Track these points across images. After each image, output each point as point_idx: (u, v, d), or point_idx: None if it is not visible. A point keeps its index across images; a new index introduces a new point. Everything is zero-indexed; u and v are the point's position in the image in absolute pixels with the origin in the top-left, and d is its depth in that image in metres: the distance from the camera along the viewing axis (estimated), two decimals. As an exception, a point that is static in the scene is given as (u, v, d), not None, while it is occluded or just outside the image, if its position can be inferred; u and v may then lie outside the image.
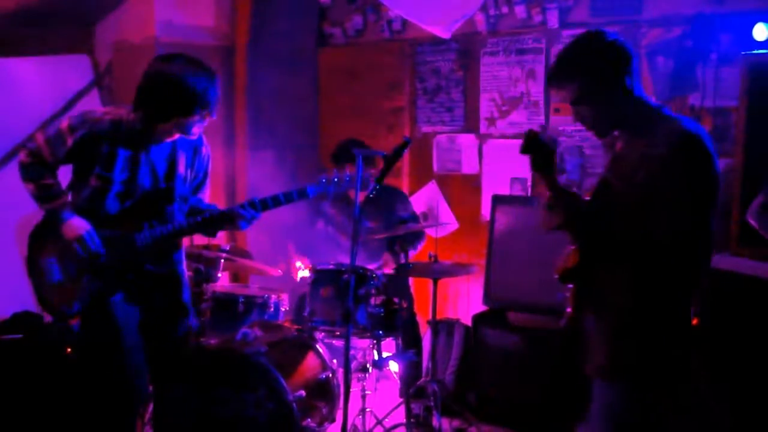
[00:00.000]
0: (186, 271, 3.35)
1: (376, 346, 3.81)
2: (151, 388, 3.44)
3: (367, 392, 3.79)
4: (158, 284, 3.19)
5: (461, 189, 5.23)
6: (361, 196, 3.20)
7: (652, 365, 2.29)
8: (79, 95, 5.19)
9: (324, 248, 4.62)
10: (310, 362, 3.81)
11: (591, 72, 2.33)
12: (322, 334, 3.86)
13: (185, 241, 3.45)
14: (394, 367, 4.28)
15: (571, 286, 2.43)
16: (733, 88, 4.12)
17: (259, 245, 5.14)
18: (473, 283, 4.99)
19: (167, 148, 3.13)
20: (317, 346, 3.86)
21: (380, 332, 3.73)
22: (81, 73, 5.24)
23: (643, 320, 2.29)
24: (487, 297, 4.53)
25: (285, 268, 4.54)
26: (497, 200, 4.64)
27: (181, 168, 3.16)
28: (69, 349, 3.98)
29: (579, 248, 2.36)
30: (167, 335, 3.23)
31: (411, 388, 4.00)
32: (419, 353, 4.44)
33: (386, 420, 3.92)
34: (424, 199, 5.34)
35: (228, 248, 4.32)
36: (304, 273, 4.36)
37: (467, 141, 5.19)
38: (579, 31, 4.55)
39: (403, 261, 4.39)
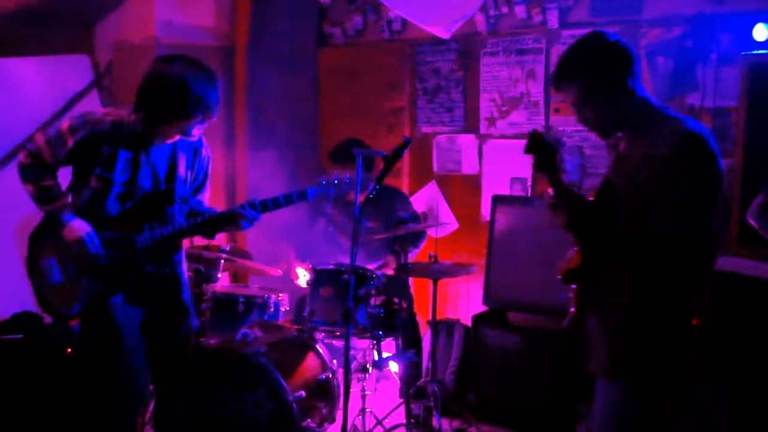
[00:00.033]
0: (186, 272, 3.35)
1: (376, 347, 3.81)
2: (151, 387, 3.44)
3: (367, 392, 3.79)
4: (158, 285, 3.19)
5: (461, 189, 5.23)
6: (361, 197, 3.20)
7: (654, 365, 2.29)
8: (79, 95, 5.19)
9: (324, 248, 4.62)
10: (310, 362, 3.81)
11: (593, 73, 2.34)
12: (322, 334, 3.86)
13: (185, 242, 3.45)
14: (394, 367, 4.28)
15: (574, 286, 2.44)
16: (733, 88, 4.13)
17: (259, 245, 5.14)
18: (473, 283, 4.99)
19: (167, 150, 3.13)
20: (317, 346, 3.86)
21: (380, 332, 3.73)
22: (81, 73, 5.24)
23: (645, 320, 2.29)
24: (487, 297, 4.53)
25: (285, 269, 4.54)
26: (497, 200, 4.64)
27: (182, 169, 3.16)
28: (69, 349, 3.98)
29: (582, 249, 2.36)
30: (168, 336, 3.23)
31: (411, 388, 3.99)
32: (419, 353, 4.44)
33: (386, 420, 3.92)
34: (424, 199, 5.34)
35: (228, 249, 4.31)
36: (305, 278, 4.35)
37: (467, 141, 5.19)
38: (579, 31, 4.59)
39: (404, 261, 4.39)
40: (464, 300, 5.19)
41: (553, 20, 4.73)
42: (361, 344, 4.04)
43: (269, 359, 3.51)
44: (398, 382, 4.36)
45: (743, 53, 4.05)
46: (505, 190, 4.95)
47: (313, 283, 3.82)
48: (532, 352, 4.15)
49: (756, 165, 3.91)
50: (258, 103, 5.43)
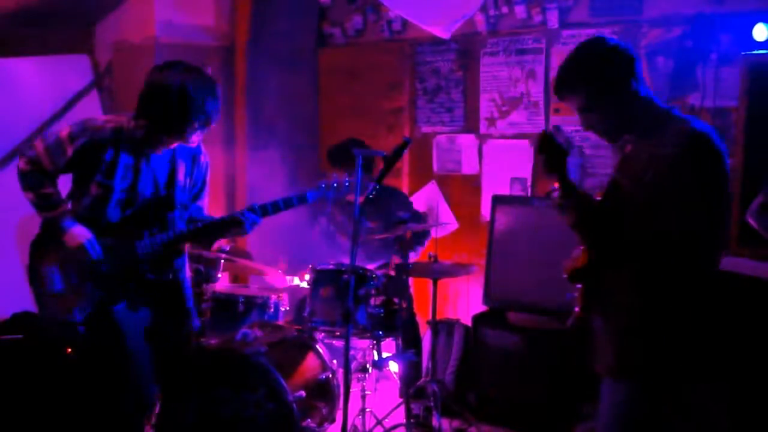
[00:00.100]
0: (188, 278, 3.35)
1: (376, 347, 3.81)
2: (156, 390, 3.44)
3: (367, 392, 3.79)
4: (161, 292, 3.19)
5: (461, 189, 5.23)
6: (360, 197, 3.20)
7: (659, 365, 2.30)
8: (79, 95, 5.19)
9: (324, 248, 4.62)
10: (310, 362, 3.81)
11: (595, 79, 2.34)
12: (322, 334, 3.86)
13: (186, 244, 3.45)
14: (393, 367, 4.29)
15: (579, 286, 2.44)
16: (733, 88, 4.13)
17: (259, 246, 5.14)
18: (473, 283, 4.99)
19: (167, 156, 3.14)
20: (317, 346, 3.86)
21: (380, 332, 3.73)
22: (81, 73, 5.24)
23: (651, 320, 2.29)
24: (487, 297, 4.53)
25: (285, 269, 4.54)
26: (497, 200, 4.64)
27: (181, 176, 3.17)
28: (69, 349, 3.97)
29: (588, 248, 2.36)
30: (170, 341, 3.23)
31: (411, 388, 3.99)
32: (419, 353, 4.44)
33: (386, 420, 3.92)
34: (424, 199, 5.34)
35: (228, 249, 4.32)
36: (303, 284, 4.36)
37: (467, 141, 5.19)
38: (579, 31, 4.60)
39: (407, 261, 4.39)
40: (464, 300, 5.19)
41: (553, 20, 4.73)
42: (361, 344, 4.04)
43: (269, 359, 3.51)
44: (398, 382, 4.36)
45: (743, 53, 4.05)
46: (505, 190, 4.95)
47: (313, 283, 3.82)
48: (532, 352, 4.15)
49: (756, 165, 3.91)
50: (258, 103, 5.43)
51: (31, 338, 4.06)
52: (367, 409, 3.81)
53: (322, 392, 3.77)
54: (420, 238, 4.57)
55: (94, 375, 3.28)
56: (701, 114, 4.18)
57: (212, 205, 3.45)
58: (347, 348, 3.18)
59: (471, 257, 4.88)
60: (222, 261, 4.17)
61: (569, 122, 4.58)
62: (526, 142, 4.90)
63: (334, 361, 3.88)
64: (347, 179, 3.24)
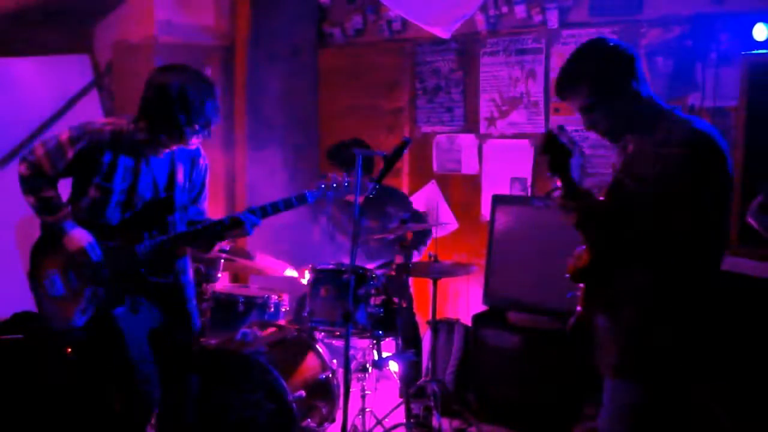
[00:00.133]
0: (191, 280, 3.35)
1: (375, 346, 3.82)
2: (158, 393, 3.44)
3: (366, 392, 3.79)
4: (162, 294, 3.19)
5: (461, 189, 5.23)
6: (360, 197, 3.21)
7: (663, 364, 2.30)
8: (79, 95, 5.19)
9: (324, 247, 4.62)
10: (310, 362, 3.81)
11: (596, 79, 2.35)
12: (322, 334, 3.87)
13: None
14: (393, 367, 4.28)
15: (582, 285, 2.44)
16: (733, 88, 4.13)
17: (259, 246, 5.14)
18: (473, 283, 4.99)
19: (166, 159, 3.14)
20: (317, 346, 3.87)
21: (380, 332, 3.73)
22: (81, 73, 5.25)
23: (654, 319, 2.30)
24: (487, 297, 4.53)
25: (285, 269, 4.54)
26: (497, 200, 4.64)
27: (180, 179, 3.17)
28: (69, 349, 3.98)
29: (590, 248, 2.36)
30: (171, 343, 3.23)
31: (411, 388, 4.00)
32: (419, 353, 4.44)
33: (386, 420, 3.92)
34: (424, 199, 5.34)
35: (228, 248, 4.32)
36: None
37: (467, 141, 5.19)
38: (579, 31, 4.60)
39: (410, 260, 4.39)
40: (464, 300, 5.19)
41: (553, 20, 4.73)
42: (360, 344, 4.04)
43: (269, 359, 3.52)
44: (398, 381, 4.36)
45: (743, 53, 4.05)
46: (505, 190, 4.95)
47: (313, 283, 3.82)
48: (531, 352, 4.15)
49: (756, 165, 3.91)
50: (258, 102, 5.43)
51: (31, 338, 4.06)
52: (367, 409, 3.81)
53: (322, 392, 3.78)
54: (422, 237, 4.57)
55: (95, 377, 3.28)
56: (701, 114, 4.18)
57: (212, 205, 3.45)
58: (347, 348, 3.18)
59: (471, 257, 4.88)
60: (222, 261, 4.17)
61: (569, 122, 4.57)
62: (526, 142, 4.90)
63: (334, 361, 3.88)
64: (347, 179, 3.25)
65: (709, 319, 2.33)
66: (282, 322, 4.15)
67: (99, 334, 3.13)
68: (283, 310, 4.23)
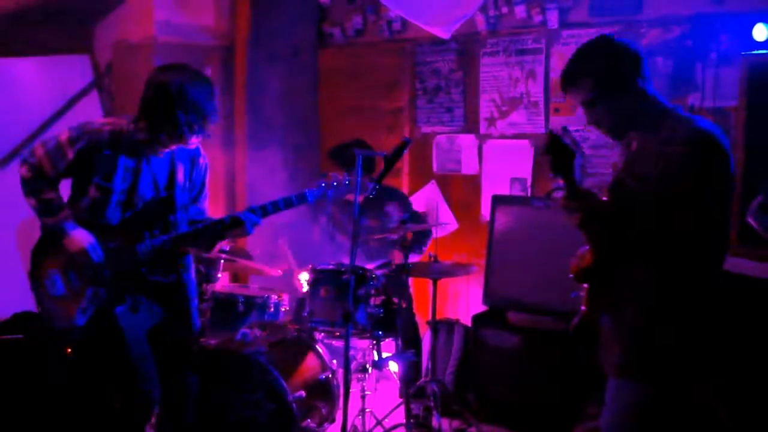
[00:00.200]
0: (194, 279, 3.34)
1: (375, 347, 3.82)
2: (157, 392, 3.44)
3: (366, 392, 3.80)
4: (163, 294, 3.19)
5: (461, 189, 5.23)
6: (360, 197, 3.21)
7: (667, 364, 2.30)
8: (79, 95, 5.19)
9: (324, 247, 4.62)
10: (310, 362, 3.81)
11: (602, 74, 2.35)
12: (322, 334, 3.86)
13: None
14: (393, 367, 4.29)
15: (585, 285, 2.45)
16: (733, 88, 4.13)
17: (259, 245, 5.14)
18: (473, 283, 4.99)
19: (166, 159, 3.14)
20: (317, 346, 3.87)
21: (380, 332, 3.73)
22: (81, 73, 5.25)
23: (657, 319, 2.30)
24: (487, 297, 4.53)
25: (286, 270, 4.54)
26: (497, 200, 4.64)
27: (180, 178, 3.17)
28: (69, 350, 3.98)
29: (593, 248, 2.36)
30: (172, 342, 3.23)
31: (411, 388, 3.99)
32: (419, 353, 4.44)
33: (386, 420, 3.92)
34: (424, 199, 5.34)
35: (228, 249, 4.32)
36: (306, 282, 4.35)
37: (467, 141, 5.19)
38: (579, 31, 4.60)
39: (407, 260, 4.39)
40: (464, 300, 5.19)
41: (553, 20, 4.73)
42: (360, 344, 4.04)
43: (269, 359, 3.52)
44: (398, 382, 4.36)
45: (743, 53, 4.05)
46: (505, 190, 4.95)
47: (313, 283, 3.82)
48: (531, 352, 4.15)
49: (756, 165, 3.91)
50: (258, 102, 5.43)
51: (31, 338, 4.06)
52: (367, 410, 3.81)
53: (322, 392, 3.78)
54: (422, 238, 4.57)
55: (95, 376, 3.28)
56: (700, 114, 4.18)
57: (212, 205, 3.44)
58: (347, 348, 3.18)
59: (471, 257, 4.88)
60: (222, 261, 4.17)
61: (569, 122, 4.58)
62: (526, 142, 4.90)
63: (334, 361, 3.88)
64: (347, 178, 3.25)
65: (711, 319, 2.33)
66: (282, 322, 4.15)
67: (99, 334, 3.13)
68: (283, 310, 4.23)
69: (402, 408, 3.89)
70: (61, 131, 3.06)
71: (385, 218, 4.55)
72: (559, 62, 4.67)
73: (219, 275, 4.19)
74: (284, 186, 5.20)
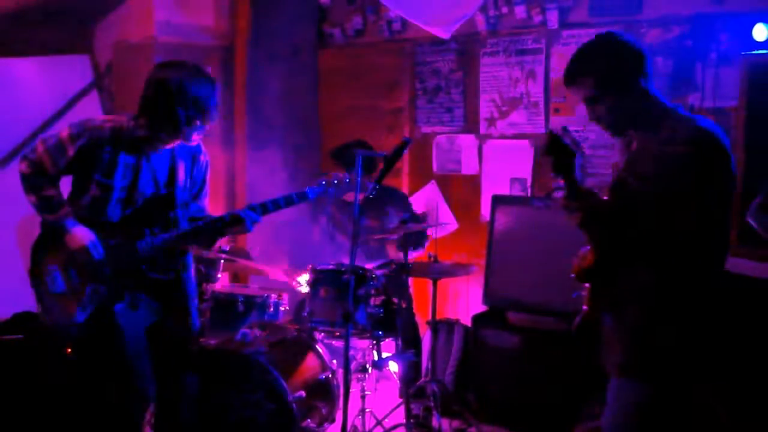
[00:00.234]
0: (194, 277, 3.34)
1: (375, 347, 3.82)
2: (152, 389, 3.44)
3: (366, 393, 3.79)
4: (163, 291, 3.19)
5: (461, 189, 5.23)
6: (360, 197, 3.21)
7: (668, 363, 2.31)
8: (79, 95, 5.19)
9: (324, 247, 4.62)
10: (310, 363, 3.81)
11: (605, 70, 2.36)
12: (322, 334, 3.86)
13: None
14: (393, 367, 4.29)
15: (587, 285, 2.45)
16: (733, 88, 4.13)
17: (259, 245, 5.14)
18: (473, 283, 4.99)
19: (167, 156, 3.14)
20: (317, 346, 3.87)
21: (380, 332, 3.73)
22: (81, 73, 5.25)
23: (658, 318, 2.31)
24: (487, 297, 4.53)
25: (285, 271, 4.54)
26: (497, 200, 4.64)
27: (181, 175, 3.17)
28: (69, 350, 3.98)
29: (595, 248, 2.36)
30: (170, 340, 3.23)
31: (411, 388, 3.99)
32: (419, 354, 4.44)
33: (386, 420, 3.92)
34: (424, 199, 5.34)
35: (228, 249, 4.32)
36: (305, 283, 4.35)
37: (467, 141, 5.19)
38: (579, 31, 4.60)
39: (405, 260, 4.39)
40: (464, 300, 5.19)
41: (553, 20, 4.73)
42: (360, 344, 4.04)
43: (269, 359, 3.52)
44: (398, 382, 4.36)
45: (743, 53, 4.05)
46: (504, 190, 4.95)
47: (313, 283, 3.82)
48: (531, 352, 4.15)
49: (756, 165, 3.91)
50: (257, 102, 5.43)
51: (31, 338, 4.06)
52: (367, 410, 3.81)
53: (322, 392, 3.78)
54: (419, 239, 4.57)
55: (93, 374, 3.28)
56: (701, 114, 4.18)
57: (212, 205, 3.45)
58: (347, 348, 3.18)
59: (471, 257, 4.88)
60: (222, 261, 4.17)
61: (569, 122, 4.58)
62: (526, 143, 4.90)
63: (334, 361, 3.88)
64: (348, 177, 3.24)
65: (712, 318, 2.33)
66: (282, 322, 4.15)
67: (98, 330, 3.13)
68: (283, 310, 4.23)
69: (402, 408, 3.89)
70: (62, 128, 3.06)
71: (385, 218, 4.55)
72: (559, 62, 4.67)
73: (219, 275, 4.19)
74: (284, 186, 5.20)
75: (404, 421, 3.82)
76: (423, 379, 4.08)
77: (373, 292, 3.74)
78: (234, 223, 3.13)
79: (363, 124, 5.48)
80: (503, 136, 5.02)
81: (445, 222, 5.15)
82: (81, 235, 3.01)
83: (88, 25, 5.38)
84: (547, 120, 4.82)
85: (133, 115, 3.07)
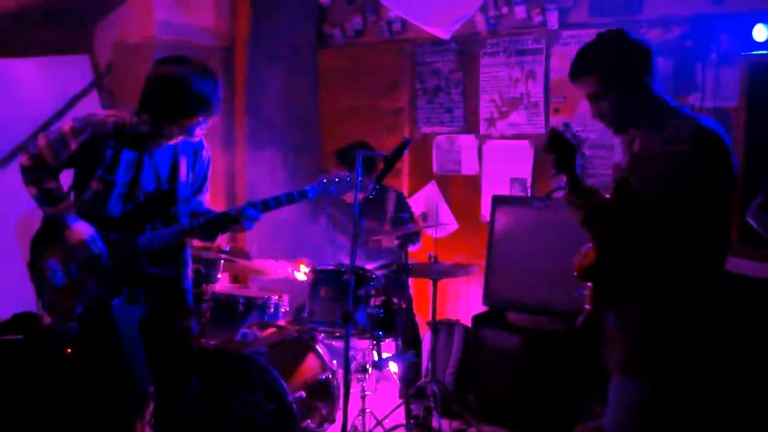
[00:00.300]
0: (191, 274, 3.34)
1: (375, 347, 3.81)
2: (151, 389, 3.44)
3: (366, 393, 3.79)
4: (161, 286, 3.19)
5: (461, 189, 5.23)
6: (360, 197, 3.20)
7: (669, 363, 2.31)
8: (79, 96, 5.19)
9: (324, 246, 4.62)
10: (310, 363, 3.81)
11: (611, 67, 2.36)
12: (322, 334, 3.86)
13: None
14: (393, 367, 4.29)
15: (590, 284, 2.44)
16: (733, 89, 4.13)
17: (258, 245, 5.14)
18: (473, 283, 4.99)
19: (169, 151, 3.14)
20: (317, 346, 3.87)
21: (380, 333, 3.73)
22: (81, 73, 5.25)
23: (661, 317, 2.31)
24: (487, 297, 4.53)
25: (284, 265, 4.53)
26: (497, 200, 4.64)
27: (183, 171, 3.17)
28: (69, 350, 3.98)
29: (597, 246, 2.36)
30: (166, 336, 3.23)
31: (411, 388, 3.99)
32: (419, 354, 4.44)
33: (386, 421, 3.91)
34: (424, 199, 5.34)
35: (228, 249, 4.32)
36: (304, 272, 4.34)
37: (467, 142, 5.19)
38: (579, 31, 4.59)
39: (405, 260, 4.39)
40: (464, 300, 5.19)
41: (553, 21, 4.73)
42: (360, 345, 4.04)
43: (269, 360, 3.52)
44: (398, 382, 4.36)
45: (743, 53, 4.06)
46: (504, 191, 4.95)
47: (313, 284, 3.82)
48: (531, 352, 4.15)
49: (756, 165, 3.91)
50: (258, 103, 5.43)
51: (31, 338, 4.06)
52: (367, 410, 3.80)
53: (322, 393, 3.78)
54: (415, 237, 4.56)
55: (92, 371, 3.27)
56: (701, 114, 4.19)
57: (212, 205, 3.44)
58: (347, 348, 3.18)
59: (471, 257, 4.88)
60: (222, 261, 4.17)
61: (570, 123, 4.58)
62: (526, 143, 4.91)
63: (334, 362, 3.88)
64: (348, 175, 3.24)
65: (714, 317, 2.33)
66: (282, 322, 4.15)
67: (95, 325, 3.13)
68: (283, 310, 4.23)
69: (402, 408, 3.89)
70: (64, 122, 3.06)
71: (384, 218, 4.55)
72: (559, 62, 4.67)
73: (219, 276, 4.18)
74: (284, 186, 5.18)
75: (404, 421, 3.82)
76: (423, 380, 4.08)
77: (373, 292, 3.74)
78: (234, 219, 3.13)
79: (363, 125, 5.48)
80: (503, 137, 5.02)
81: (445, 222, 5.15)
82: (81, 229, 3.01)
83: (88, 25, 5.37)
84: (547, 120, 4.82)
85: (135, 110, 3.06)
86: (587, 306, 2.46)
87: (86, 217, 3.04)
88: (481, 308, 4.59)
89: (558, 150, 2.26)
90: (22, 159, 3.03)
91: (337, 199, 4.48)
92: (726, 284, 3.48)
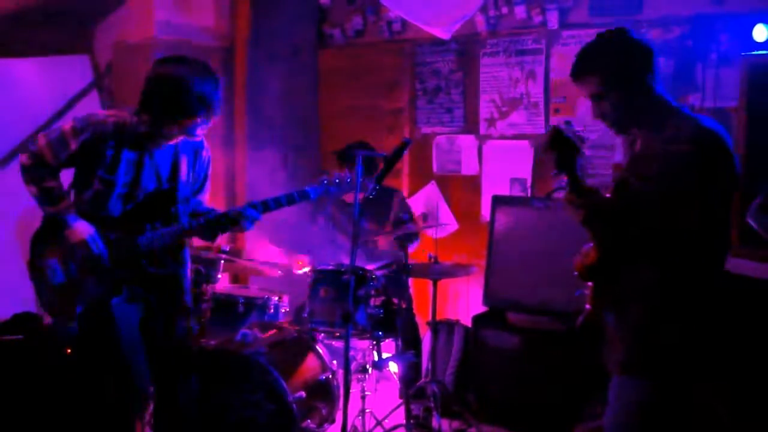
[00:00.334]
0: (190, 274, 3.34)
1: (375, 347, 3.81)
2: (151, 389, 3.44)
3: (366, 393, 3.79)
4: (160, 286, 3.19)
5: (461, 190, 5.23)
6: (360, 197, 3.20)
7: (670, 362, 2.31)
8: (79, 96, 5.19)
9: (323, 246, 4.62)
10: (310, 363, 3.81)
11: (613, 66, 2.36)
12: (322, 335, 3.86)
13: (185, 242, 3.44)
14: (393, 368, 4.28)
15: (590, 283, 2.44)
16: (733, 89, 4.13)
17: (259, 244, 5.14)
18: (473, 283, 4.99)
19: (170, 151, 3.14)
20: (317, 347, 3.87)
21: (380, 333, 3.73)
22: (81, 73, 5.25)
23: (661, 317, 2.31)
24: (487, 298, 4.53)
25: (285, 265, 4.53)
26: (497, 201, 4.64)
27: (183, 170, 3.17)
28: (69, 350, 3.98)
29: (597, 245, 2.36)
30: (165, 336, 3.23)
31: (411, 389, 3.99)
32: (419, 354, 4.44)
33: (386, 421, 3.91)
34: (424, 199, 5.34)
35: (228, 249, 4.32)
36: (303, 268, 4.34)
37: (467, 142, 5.19)
38: (579, 31, 4.60)
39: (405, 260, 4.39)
40: (464, 300, 5.19)
41: (553, 21, 4.73)
42: (360, 345, 4.04)
43: (269, 360, 3.52)
44: (398, 382, 4.36)
45: (743, 53, 4.05)
46: (504, 191, 4.95)
47: (313, 284, 3.82)
48: (531, 352, 4.15)
49: (756, 165, 3.91)
50: (258, 103, 5.43)
51: (31, 338, 4.06)
52: (367, 410, 3.81)
53: (322, 393, 3.78)
54: (412, 237, 4.56)
55: (92, 370, 3.27)
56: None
57: (212, 205, 3.44)
58: (347, 349, 3.18)
59: (471, 258, 4.87)
60: (222, 261, 4.17)
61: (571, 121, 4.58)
62: (526, 143, 4.91)
63: (334, 362, 3.88)
64: (349, 176, 3.24)
65: (714, 317, 2.33)
66: (282, 322, 4.15)
67: (95, 325, 3.13)
68: (283, 311, 4.23)
69: (402, 409, 3.89)
70: (65, 122, 3.06)
71: (386, 220, 4.56)
72: (559, 63, 4.67)
73: (219, 276, 4.18)
74: (284, 186, 5.18)
75: (404, 421, 3.82)
76: (423, 380, 4.08)
77: (373, 292, 3.74)
78: (234, 220, 3.13)
79: (363, 125, 5.48)
80: (503, 137, 5.02)
81: (445, 222, 5.15)
82: (81, 229, 3.01)
83: (88, 25, 5.37)
84: (547, 120, 4.82)
85: (135, 110, 3.06)
86: (587, 306, 2.46)
87: (86, 216, 3.05)
88: (481, 308, 4.59)
89: (559, 148, 2.25)
90: (23, 158, 3.04)
91: (337, 199, 4.48)
92: (726, 284, 3.48)
